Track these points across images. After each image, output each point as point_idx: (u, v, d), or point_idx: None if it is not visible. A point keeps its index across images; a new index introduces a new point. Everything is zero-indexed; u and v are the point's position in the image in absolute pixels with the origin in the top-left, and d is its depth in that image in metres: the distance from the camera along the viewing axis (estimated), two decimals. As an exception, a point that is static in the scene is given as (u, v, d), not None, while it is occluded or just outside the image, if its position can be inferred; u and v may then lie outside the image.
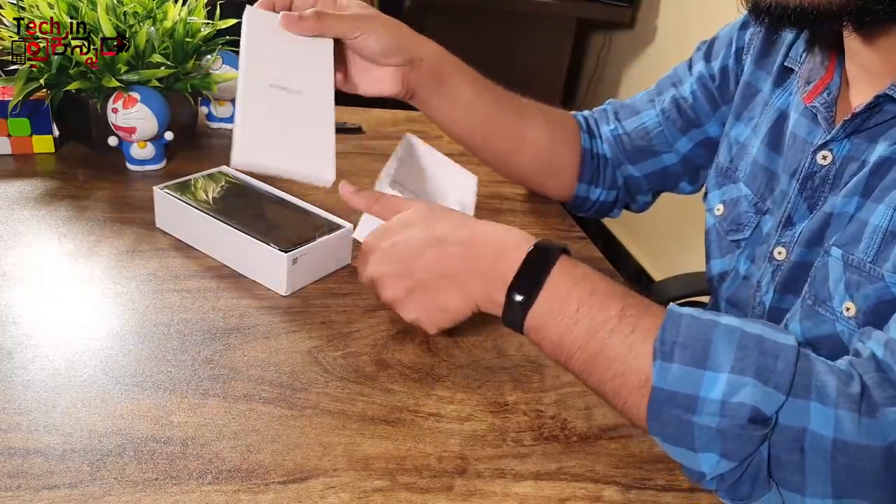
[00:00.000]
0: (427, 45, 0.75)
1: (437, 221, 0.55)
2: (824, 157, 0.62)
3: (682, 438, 0.44)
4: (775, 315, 0.66)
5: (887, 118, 0.57)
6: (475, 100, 0.78)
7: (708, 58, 0.80)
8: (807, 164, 0.63)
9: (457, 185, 0.77)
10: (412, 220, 0.56)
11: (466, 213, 0.64)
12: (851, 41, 0.59)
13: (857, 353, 0.47)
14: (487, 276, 0.51)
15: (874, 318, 0.53)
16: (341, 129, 1.02)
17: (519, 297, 0.49)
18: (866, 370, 0.44)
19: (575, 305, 0.48)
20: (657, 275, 2.31)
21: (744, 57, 0.76)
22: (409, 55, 0.72)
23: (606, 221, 2.63)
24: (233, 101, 1.02)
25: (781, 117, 0.69)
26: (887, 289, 0.53)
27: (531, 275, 0.50)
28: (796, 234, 0.64)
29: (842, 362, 0.46)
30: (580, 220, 0.90)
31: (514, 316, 0.50)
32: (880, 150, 0.57)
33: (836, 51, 0.63)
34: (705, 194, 0.80)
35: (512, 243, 0.52)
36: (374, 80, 0.73)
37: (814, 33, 0.64)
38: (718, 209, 0.76)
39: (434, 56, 0.75)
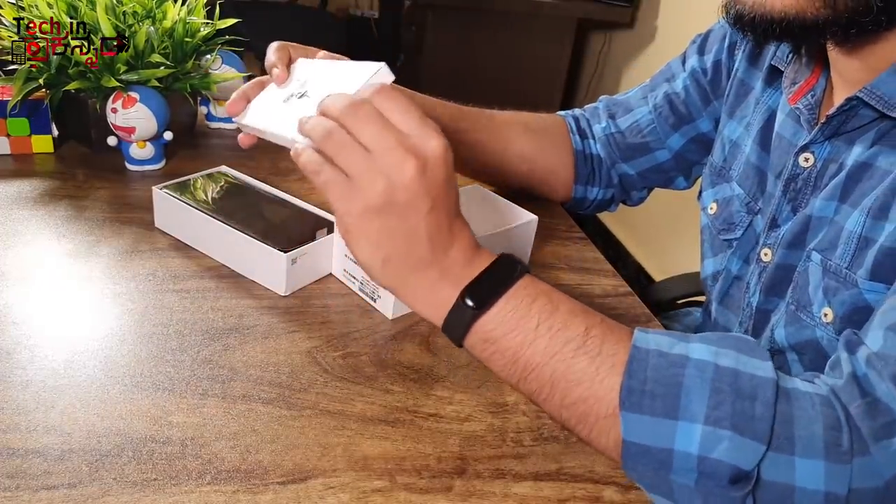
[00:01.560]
0: None
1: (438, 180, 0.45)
2: (806, 160, 0.61)
3: (661, 490, 0.42)
4: (762, 316, 0.66)
5: (864, 122, 0.56)
6: (457, 131, 0.78)
7: (702, 51, 0.80)
8: (790, 166, 0.63)
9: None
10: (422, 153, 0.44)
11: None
12: (832, 50, 0.58)
13: (836, 364, 0.45)
14: (444, 265, 0.46)
15: (850, 324, 0.52)
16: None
17: (470, 303, 0.45)
18: (851, 398, 0.41)
19: (534, 323, 0.44)
20: (657, 274, 2.31)
21: (736, 52, 0.76)
22: None
23: (606, 221, 2.63)
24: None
25: (772, 117, 0.69)
26: (861, 295, 0.53)
27: (491, 282, 0.45)
28: (780, 236, 0.64)
29: (822, 388, 0.42)
30: (579, 219, 0.90)
31: (458, 321, 0.45)
32: (856, 153, 0.57)
33: (822, 53, 0.62)
34: (700, 193, 0.80)
35: (483, 250, 0.48)
36: None
37: (799, 43, 0.63)
38: (711, 208, 0.76)
39: None
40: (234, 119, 0.62)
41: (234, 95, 0.62)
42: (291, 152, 0.47)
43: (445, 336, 0.47)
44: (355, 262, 0.47)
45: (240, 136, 0.61)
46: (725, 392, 0.40)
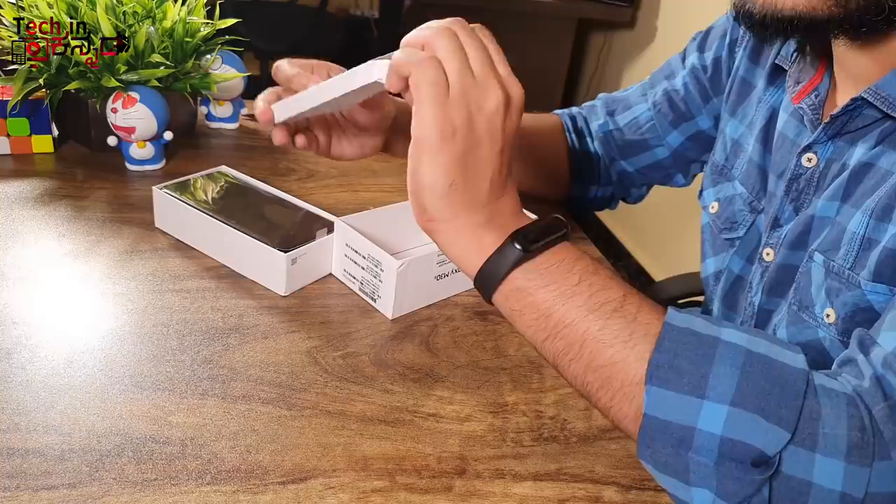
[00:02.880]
0: (395, 100, 0.71)
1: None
2: (809, 160, 0.61)
3: (675, 470, 0.41)
4: (763, 316, 0.66)
5: (868, 122, 0.56)
6: None
7: (702, 48, 0.79)
8: (793, 166, 0.63)
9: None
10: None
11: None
12: (839, 48, 0.58)
13: (847, 362, 0.45)
14: (493, 210, 0.47)
15: (852, 324, 0.52)
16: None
17: (518, 246, 0.45)
18: (875, 400, 0.41)
19: (575, 279, 0.44)
20: (657, 274, 2.31)
21: (737, 49, 0.75)
22: (392, 116, 0.70)
23: (606, 221, 2.63)
24: (233, 101, 1.02)
25: (773, 116, 0.69)
26: (864, 296, 0.53)
27: (540, 232, 0.46)
28: (782, 236, 0.64)
29: (847, 387, 0.42)
30: (579, 219, 0.90)
31: (499, 265, 0.45)
32: (859, 154, 0.56)
33: (827, 53, 0.62)
34: (700, 192, 0.80)
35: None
36: (362, 145, 0.69)
37: (806, 41, 0.63)
38: (713, 207, 0.75)
39: (400, 105, 0.71)
40: (275, 109, 0.59)
41: (264, 100, 0.61)
42: (395, 56, 0.47)
43: (476, 286, 0.47)
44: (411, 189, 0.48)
45: (275, 132, 0.60)
46: (756, 376, 0.40)
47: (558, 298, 0.44)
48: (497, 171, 0.47)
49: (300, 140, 0.63)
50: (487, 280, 0.46)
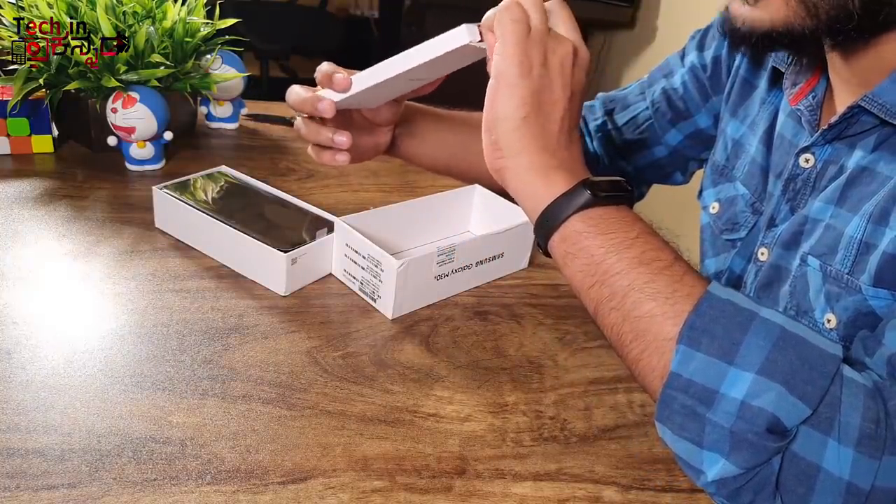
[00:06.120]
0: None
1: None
2: (807, 161, 0.61)
3: (690, 431, 0.42)
4: None
5: (866, 128, 0.56)
6: (444, 131, 0.77)
7: (701, 47, 0.79)
8: (790, 166, 0.63)
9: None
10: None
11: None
12: (830, 53, 0.59)
13: (854, 362, 0.45)
14: (562, 157, 0.50)
15: (853, 329, 0.53)
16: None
17: (588, 192, 0.47)
18: (890, 395, 0.41)
19: (634, 233, 0.46)
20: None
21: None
22: (402, 111, 0.70)
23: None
24: (233, 101, 1.02)
25: (776, 117, 0.69)
26: (865, 301, 0.53)
27: (610, 185, 0.48)
28: (776, 236, 0.64)
29: (868, 380, 0.42)
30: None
31: (566, 205, 0.47)
32: (857, 157, 0.57)
33: (821, 55, 0.62)
34: (700, 192, 0.80)
35: None
36: (377, 144, 0.70)
37: (794, 52, 0.63)
38: (714, 207, 0.75)
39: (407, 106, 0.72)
40: (336, 98, 0.59)
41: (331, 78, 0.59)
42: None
43: (536, 225, 0.49)
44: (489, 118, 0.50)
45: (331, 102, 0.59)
46: (787, 352, 0.41)
47: (614, 247, 0.46)
48: (566, 115, 0.50)
49: (344, 137, 0.62)
50: (550, 219, 0.48)
